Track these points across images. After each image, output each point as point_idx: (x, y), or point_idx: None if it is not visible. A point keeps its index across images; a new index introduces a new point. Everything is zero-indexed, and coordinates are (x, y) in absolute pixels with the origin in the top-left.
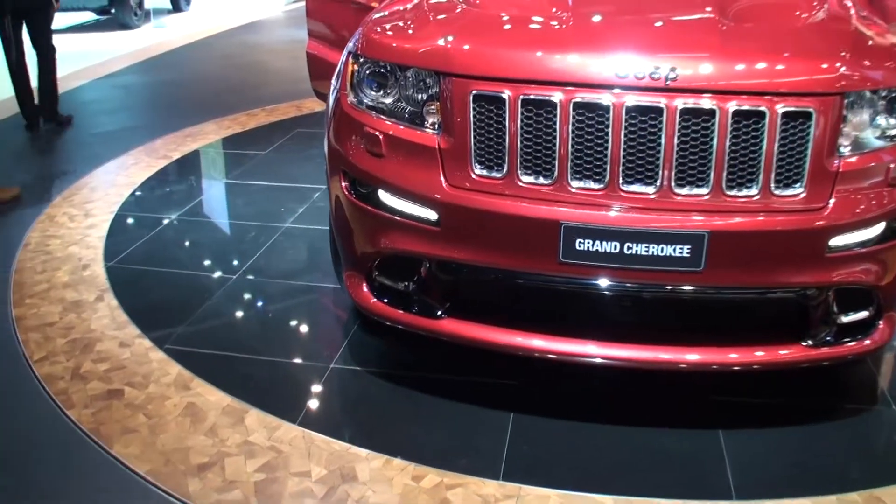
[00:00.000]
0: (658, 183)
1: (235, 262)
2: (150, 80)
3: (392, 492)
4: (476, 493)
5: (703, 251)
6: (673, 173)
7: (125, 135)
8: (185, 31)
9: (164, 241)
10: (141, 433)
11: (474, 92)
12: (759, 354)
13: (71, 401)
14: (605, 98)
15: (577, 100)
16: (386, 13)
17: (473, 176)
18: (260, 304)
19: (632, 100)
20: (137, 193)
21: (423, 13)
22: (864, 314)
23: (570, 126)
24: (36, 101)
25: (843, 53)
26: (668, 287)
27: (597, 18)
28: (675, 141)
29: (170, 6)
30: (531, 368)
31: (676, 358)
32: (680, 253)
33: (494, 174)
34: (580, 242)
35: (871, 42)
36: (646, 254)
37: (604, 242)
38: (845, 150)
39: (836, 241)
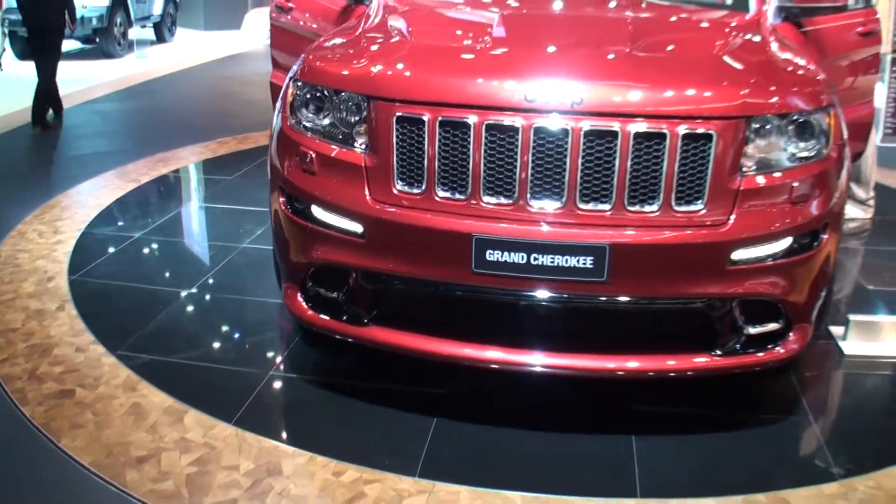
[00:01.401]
0: (563, 199)
1: (191, 278)
2: (128, 108)
3: (312, 485)
4: (392, 488)
5: (606, 262)
6: (577, 190)
7: (100, 158)
8: (167, 62)
9: (126, 257)
10: (87, 429)
11: (397, 114)
12: (671, 363)
13: (26, 398)
14: (515, 120)
15: (490, 122)
16: (327, 42)
17: (395, 191)
18: (210, 316)
19: (540, 122)
20: (105, 213)
21: (359, 42)
22: (772, 326)
23: (483, 146)
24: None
25: (748, 80)
26: (576, 296)
27: (513, 46)
28: (580, 160)
29: (154, 37)
30: (459, 376)
31: (586, 364)
32: (583, 264)
33: (414, 190)
34: (490, 253)
35: (780, 70)
36: (551, 264)
37: (512, 254)
38: (748, 170)
39: (737, 255)
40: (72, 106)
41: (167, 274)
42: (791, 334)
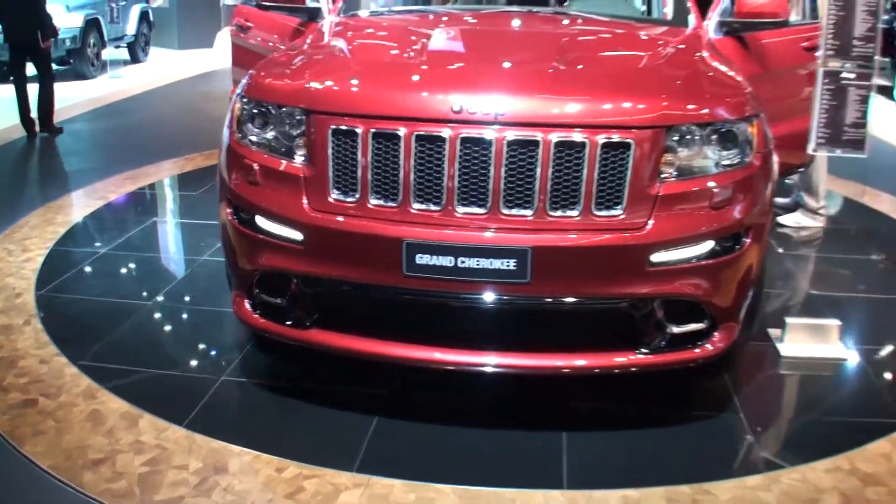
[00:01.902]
0: (488, 205)
1: (152, 291)
2: (100, 127)
3: (255, 481)
4: (329, 483)
5: (528, 264)
6: (501, 196)
7: (70, 177)
8: (140, 81)
9: (91, 272)
10: (48, 435)
11: (332, 127)
12: (595, 361)
13: None
14: (442, 132)
15: (419, 133)
16: (272, 60)
17: (331, 200)
18: (168, 325)
19: (465, 133)
20: (73, 231)
21: (301, 60)
22: (697, 325)
23: (413, 156)
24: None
25: (668, 92)
26: (502, 297)
27: (444, 62)
28: (503, 169)
29: (128, 57)
30: (401, 377)
31: (515, 362)
32: (507, 266)
33: (349, 199)
34: (420, 257)
35: (704, 82)
36: (477, 267)
37: (440, 257)
38: (669, 177)
39: (656, 258)
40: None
41: (130, 287)
42: (716, 333)
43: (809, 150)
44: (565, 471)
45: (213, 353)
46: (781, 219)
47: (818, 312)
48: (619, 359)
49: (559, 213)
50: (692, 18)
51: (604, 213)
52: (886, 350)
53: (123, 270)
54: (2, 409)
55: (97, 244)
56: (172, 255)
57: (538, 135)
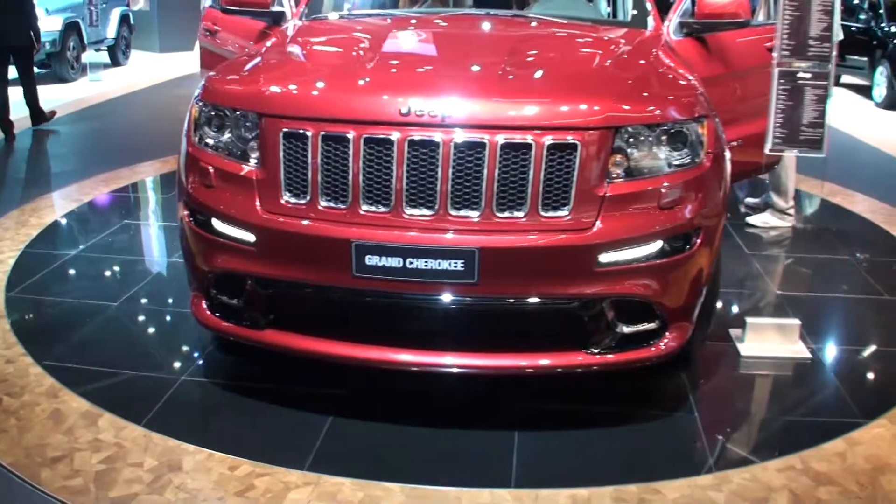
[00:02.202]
0: (436, 206)
1: (119, 292)
2: (78, 130)
3: (208, 479)
4: (280, 481)
5: (475, 265)
6: (448, 198)
7: (46, 179)
8: (120, 84)
9: (61, 274)
10: (10, 433)
11: (284, 130)
12: (545, 361)
13: None
14: (390, 134)
15: (367, 136)
16: (230, 64)
17: (282, 202)
18: (132, 326)
19: (413, 135)
20: (45, 233)
21: (257, 64)
22: (648, 325)
23: (362, 158)
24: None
25: (616, 93)
26: (451, 298)
27: (394, 65)
28: (450, 170)
29: (108, 60)
30: (357, 377)
31: (466, 362)
32: (455, 267)
33: (300, 201)
34: (369, 258)
35: (655, 83)
36: (425, 268)
37: (389, 258)
38: (617, 177)
39: (604, 258)
40: (22, 130)
41: (97, 289)
42: (667, 333)
43: (766, 150)
44: (514, 470)
45: (176, 353)
46: (750, 219)
47: (782, 312)
48: (571, 358)
49: (506, 214)
50: (651, 20)
51: (550, 213)
52: (847, 349)
53: (93, 272)
54: None
55: (67, 246)
56: (142, 256)
57: (485, 137)
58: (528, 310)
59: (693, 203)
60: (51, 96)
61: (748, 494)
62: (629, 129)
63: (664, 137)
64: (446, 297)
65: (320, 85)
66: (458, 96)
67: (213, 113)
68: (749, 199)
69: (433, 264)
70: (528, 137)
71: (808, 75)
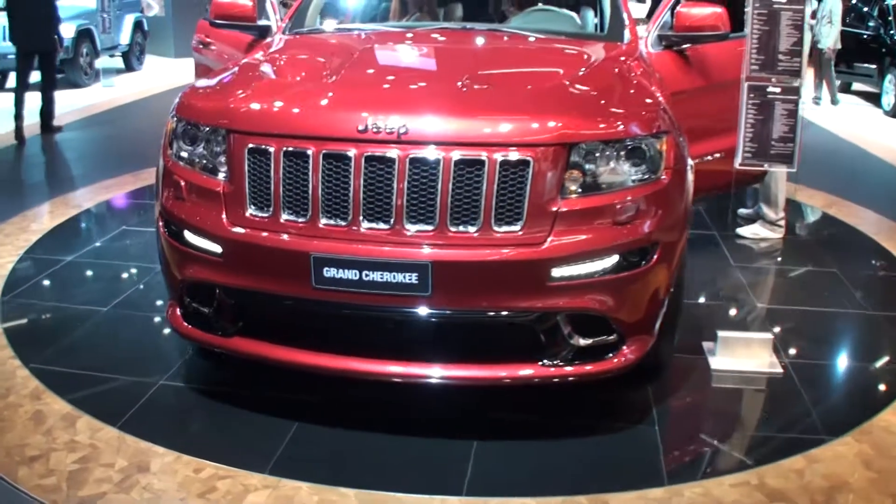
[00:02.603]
0: (391, 220)
1: (109, 298)
2: (87, 136)
3: (173, 480)
4: (241, 483)
5: (429, 278)
6: (404, 212)
7: (51, 185)
8: (132, 90)
9: (56, 279)
10: None
11: (249, 146)
12: (501, 373)
13: None
14: (348, 150)
15: (326, 151)
16: (205, 80)
17: (247, 215)
18: (117, 331)
19: (369, 151)
20: (44, 239)
21: (230, 79)
22: (604, 338)
23: (321, 173)
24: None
25: (572, 109)
26: (405, 310)
27: (355, 83)
28: (406, 185)
29: (123, 65)
30: (327, 386)
31: (422, 372)
32: (409, 280)
33: (263, 214)
34: (327, 270)
35: (615, 99)
36: (381, 280)
37: (346, 270)
38: (571, 193)
39: (557, 273)
40: (33, 135)
41: (88, 295)
42: (626, 346)
43: (736, 165)
44: (468, 479)
45: (156, 358)
46: (740, 230)
47: (760, 325)
48: (526, 371)
49: (459, 228)
50: (627, 33)
51: (503, 228)
52: (822, 365)
53: (85, 278)
54: None
55: (64, 252)
56: (134, 263)
57: (439, 153)
58: (482, 322)
59: (651, 218)
60: (63, 102)
61: None
62: (584, 145)
63: (622, 153)
64: (402, 309)
65: (283, 102)
66: (414, 114)
67: (185, 128)
68: (742, 210)
69: (388, 277)
70: (482, 154)
71: (778, 89)
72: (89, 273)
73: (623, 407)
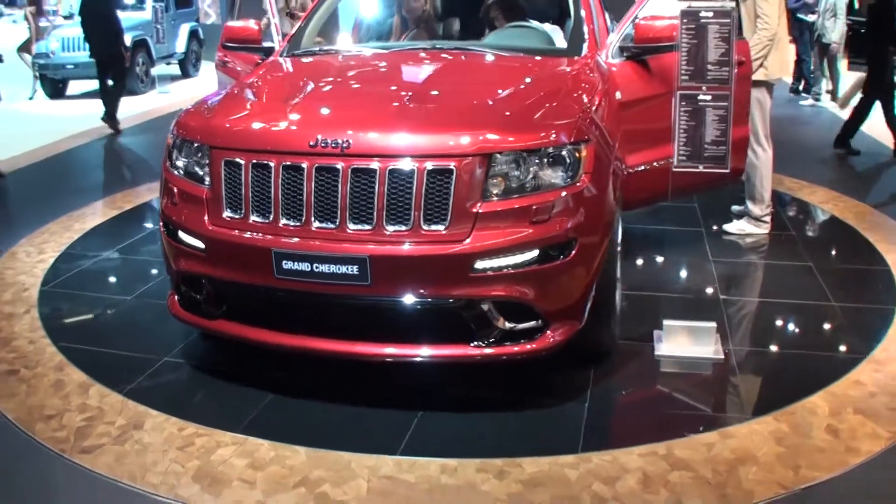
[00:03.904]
0: (337, 221)
1: (133, 288)
2: (138, 141)
3: (161, 436)
4: (215, 440)
5: (368, 270)
6: (347, 213)
7: (97, 188)
8: (187, 96)
9: (89, 272)
10: (20, 396)
11: (225, 158)
12: (429, 351)
13: None
14: (302, 162)
15: (285, 163)
16: (201, 103)
17: (224, 217)
18: (136, 316)
19: (319, 163)
20: (85, 237)
21: (219, 101)
22: (528, 323)
23: (281, 181)
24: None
25: (495, 123)
26: (351, 296)
27: (313, 102)
28: (349, 190)
29: (179, 72)
30: (302, 363)
31: (370, 351)
32: (352, 271)
33: (236, 215)
34: (285, 263)
35: (540, 111)
36: (328, 271)
37: (300, 263)
38: (492, 195)
39: (478, 265)
40: (88, 141)
41: (116, 286)
42: (549, 331)
43: (673, 167)
44: (405, 442)
45: (165, 339)
46: (727, 226)
47: (714, 315)
48: (455, 351)
49: (393, 227)
50: (585, 47)
51: (431, 227)
52: (764, 352)
53: (116, 271)
54: None
55: (101, 249)
56: (160, 260)
57: (375, 163)
58: (417, 307)
59: (568, 218)
60: (119, 108)
61: (601, 473)
62: (503, 154)
63: (542, 160)
64: (347, 296)
65: (252, 122)
66: (356, 130)
67: (180, 142)
68: (735, 207)
69: (334, 269)
70: (412, 164)
71: (709, 97)
72: (120, 267)
73: (561, 386)
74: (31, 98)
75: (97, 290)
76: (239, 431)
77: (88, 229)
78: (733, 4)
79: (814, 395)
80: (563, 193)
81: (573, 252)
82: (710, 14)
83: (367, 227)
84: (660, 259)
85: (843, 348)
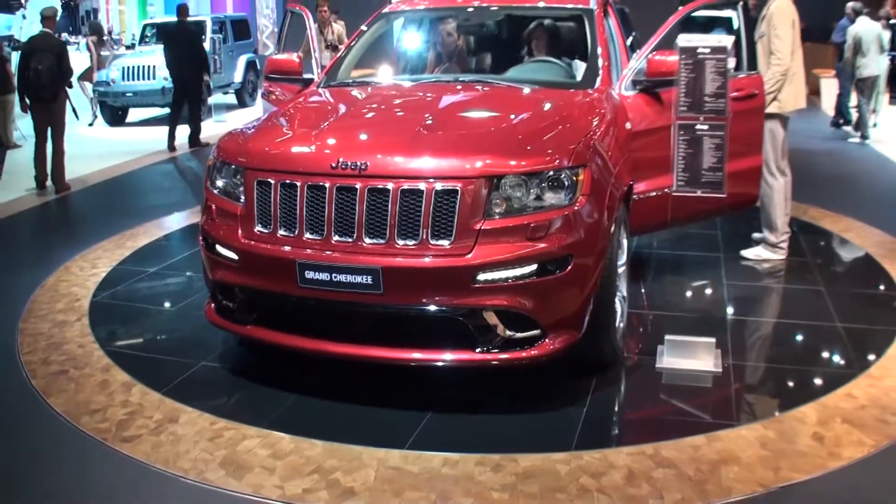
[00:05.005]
0: (354, 235)
1: (176, 300)
2: (191, 166)
3: (193, 429)
4: (242, 433)
5: (381, 280)
6: (363, 229)
7: (149, 210)
8: (241, 124)
9: (137, 286)
10: (68, 393)
11: (257, 178)
12: (444, 356)
13: (35, 374)
14: (324, 183)
15: (310, 183)
16: (239, 129)
17: (255, 231)
18: (178, 325)
19: (339, 183)
20: (135, 254)
21: (256, 127)
22: (528, 332)
23: (306, 199)
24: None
25: (499, 149)
26: (365, 304)
27: (338, 128)
28: (365, 208)
29: (236, 101)
30: (327, 366)
31: (382, 354)
32: (366, 280)
33: (266, 230)
34: (308, 273)
35: (545, 139)
36: (346, 280)
37: (320, 273)
38: (496, 214)
39: (480, 277)
40: (143, 167)
41: (161, 298)
42: (548, 339)
43: (673, 191)
44: (413, 438)
45: (203, 345)
46: (744, 252)
47: (716, 332)
48: (459, 356)
49: (404, 242)
50: (598, 81)
51: (437, 242)
52: (760, 367)
53: (163, 285)
54: (42, 375)
55: (148, 264)
56: (201, 274)
57: (389, 184)
58: (425, 315)
59: (564, 235)
60: (179, 135)
61: (589, 468)
62: (504, 177)
63: (542, 182)
64: (361, 304)
65: (282, 147)
66: (373, 154)
67: (219, 164)
68: (756, 235)
69: (350, 278)
70: (422, 185)
71: (706, 126)
72: (166, 281)
73: (563, 393)
74: (90, 125)
75: (143, 302)
76: (264, 426)
77: (139, 247)
78: (731, 41)
79: (804, 406)
80: (561, 213)
81: (569, 267)
82: (707, 50)
83: (381, 241)
84: (675, 281)
85: (840, 364)
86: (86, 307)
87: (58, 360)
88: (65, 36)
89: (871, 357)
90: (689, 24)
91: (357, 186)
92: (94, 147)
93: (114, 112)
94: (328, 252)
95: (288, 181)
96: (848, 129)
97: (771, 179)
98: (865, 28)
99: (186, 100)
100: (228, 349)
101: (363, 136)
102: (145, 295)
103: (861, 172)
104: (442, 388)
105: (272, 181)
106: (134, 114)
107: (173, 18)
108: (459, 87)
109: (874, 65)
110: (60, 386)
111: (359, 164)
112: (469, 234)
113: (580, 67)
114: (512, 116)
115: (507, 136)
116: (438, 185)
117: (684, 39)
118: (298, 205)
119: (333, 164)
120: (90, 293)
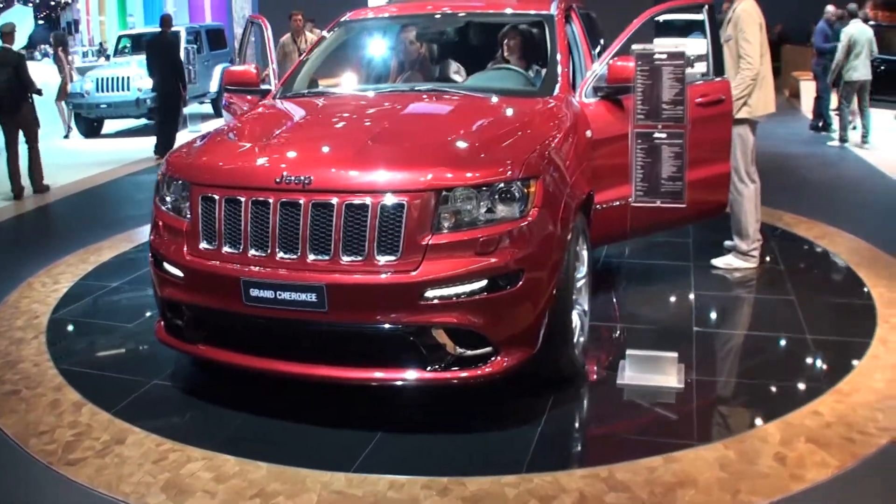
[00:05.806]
0: (298, 252)
1: (134, 317)
2: None
3: (139, 451)
4: (187, 455)
5: (325, 297)
6: (307, 245)
7: (116, 222)
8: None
9: (97, 302)
10: (19, 413)
11: (202, 194)
12: (379, 375)
13: None
14: (268, 198)
15: (254, 198)
16: (187, 143)
17: (200, 248)
18: (133, 343)
19: (283, 198)
20: (99, 269)
21: (201, 144)
22: (479, 350)
23: (250, 215)
24: None
25: (446, 161)
26: (309, 322)
27: (283, 142)
28: (309, 224)
29: (212, 111)
30: (277, 385)
31: (330, 374)
32: (310, 298)
33: (210, 247)
34: (252, 290)
35: (495, 149)
36: (290, 298)
37: (265, 291)
38: (444, 228)
39: (428, 294)
40: (114, 178)
41: (119, 315)
42: (500, 356)
43: (631, 202)
44: (360, 460)
45: (157, 363)
46: (714, 261)
47: (680, 346)
48: (408, 374)
49: (349, 258)
50: (557, 88)
51: (384, 258)
52: (725, 382)
53: (122, 301)
54: None
55: (111, 280)
56: None
57: (333, 199)
58: (371, 333)
59: (515, 249)
60: (146, 146)
61: (540, 492)
62: (452, 190)
63: (494, 195)
64: (306, 322)
65: (226, 161)
66: (317, 168)
67: (166, 179)
68: (727, 242)
69: (295, 296)
70: (366, 199)
71: (664, 135)
72: (126, 297)
73: (519, 411)
74: (66, 136)
75: (101, 318)
76: (211, 448)
77: (103, 261)
78: (686, 45)
79: (768, 424)
80: (512, 226)
81: (521, 282)
82: (664, 56)
83: (326, 257)
84: (642, 291)
85: (807, 379)
86: (44, 324)
87: (12, 378)
88: (44, 48)
89: (841, 371)
90: (666, 30)
91: (301, 201)
92: (68, 158)
93: (88, 123)
94: (273, 269)
95: (232, 196)
96: (849, 144)
97: (741, 186)
98: (859, 30)
99: (163, 109)
100: (181, 367)
101: (308, 150)
102: (104, 311)
103: (839, 177)
104: (395, 407)
105: (216, 196)
106: (109, 125)
107: (151, 29)
108: (415, 96)
109: (864, 69)
110: (12, 406)
111: (302, 178)
112: (416, 250)
113: (540, 75)
114: (464, 127)
115: (457, 147)
116: (384, 200)
117: (640, 46)
118: (243, 221)
119: (277, 179)
120: (50, 310)
